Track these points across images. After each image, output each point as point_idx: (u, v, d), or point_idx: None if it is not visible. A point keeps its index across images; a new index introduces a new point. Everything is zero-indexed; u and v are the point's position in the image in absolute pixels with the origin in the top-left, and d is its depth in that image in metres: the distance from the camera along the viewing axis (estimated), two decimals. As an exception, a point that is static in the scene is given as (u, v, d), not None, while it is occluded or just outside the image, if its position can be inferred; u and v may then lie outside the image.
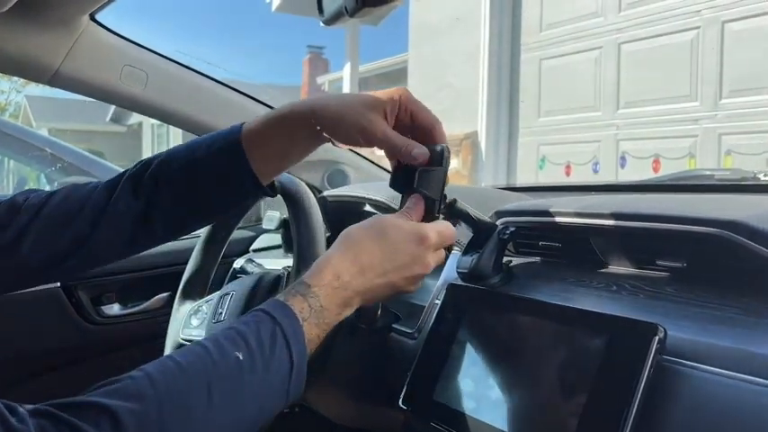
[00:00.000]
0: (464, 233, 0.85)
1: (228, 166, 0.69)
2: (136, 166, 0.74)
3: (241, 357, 0.53)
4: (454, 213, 0.77)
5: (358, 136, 0.67)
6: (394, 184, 0.71)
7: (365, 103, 0.66)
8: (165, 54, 1.22)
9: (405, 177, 0.69)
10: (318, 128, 0.68)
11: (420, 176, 0.68)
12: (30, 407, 0.46)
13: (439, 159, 0.68)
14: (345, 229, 0.66)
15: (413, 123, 0.69)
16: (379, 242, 0.63)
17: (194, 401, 0.50)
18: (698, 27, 4.14)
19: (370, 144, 0.68)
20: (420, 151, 0.67)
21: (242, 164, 0.69)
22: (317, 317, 0.59)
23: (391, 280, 0.64)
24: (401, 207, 0.72)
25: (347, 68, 7.20)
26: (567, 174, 4.91)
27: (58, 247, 0.70)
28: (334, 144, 0.70)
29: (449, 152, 0.69)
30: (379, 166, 1.53)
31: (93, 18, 1.10)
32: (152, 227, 0.72)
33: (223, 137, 0.70)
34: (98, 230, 0.70)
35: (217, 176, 0.70)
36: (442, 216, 0.72)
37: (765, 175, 1.15)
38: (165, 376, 0.51)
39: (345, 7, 0.63)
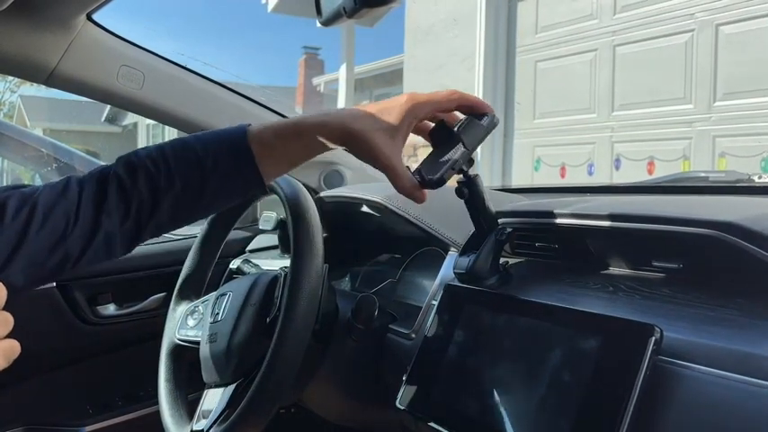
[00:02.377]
0: (461, 234, 0.86)
1: (236, 170, 0.67)
2: (120, 165, 0.68)
3: None
4: (469, 185, 0.75)
5: (374, 161, 0.68)
6: (433, 133, 0.72)
7: (398, 131, 0.67)
8: (161, 54, 1.22)
9: (446, 129, 0.71)
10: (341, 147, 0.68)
11: (465, 123, 0.70)
12: None
13: (488, 119, 0.70)
14: None
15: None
16: None
17: None
18: (692, 30, 4.16)
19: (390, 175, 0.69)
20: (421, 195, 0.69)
21: (250, 169, 0.67)
22: None
23: None
24: (429, 155, 0.72)
25: (343, 69, 7.20)
26: (562, 175, 4.92)
27: (45, 268, 0.65)
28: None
29: (497, 121, 0.72)
30: (375, 167, 1.53)
31: (90, 18, 1.10)
32: (141, 233, 0.68)
33: (230, 141, 0.67)
34: (90, 247, 0.66)
35: (222, 178, 0.67)
36: (465, 169, 0.72)
37: (759, 178, 1.15)
38: None
39: (344, 8, 0.63)
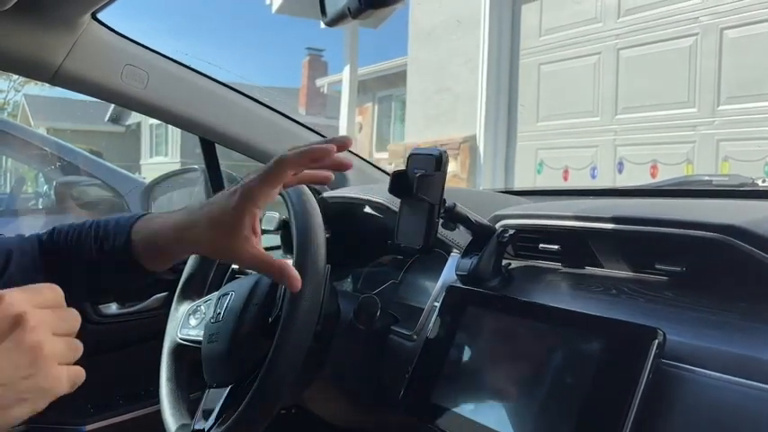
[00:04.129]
0: (464, 236, 0.85)
1: (121, 270, 0.72)
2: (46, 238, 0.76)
3: None
4: (453, 217, 0.77)
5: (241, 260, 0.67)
6: (393, 189, 0.71)
7: (237, 227, 0.64)
8: (166, 54, 1.23)
9: (403, 183, 0.70)
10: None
11: (419, 182, 0.68)
12: None
13: (437, 164, 0.68)
14: None
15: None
16: None
17: None
18: (696, 34, 4.16)
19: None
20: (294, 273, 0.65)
21: (136, 269, 0.71)
22: None
23: None
24: (399, 216, 0.72)
25: (346, 71, 7.21)
26: (565, 178, 4.92)
27: None
28: None
29: (447, 157, 0.69)
30: (377, 167, 1.53)
31: (94, 17, 1.10)
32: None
33: (116, 237, 0.72)
34: None
35: (111, 272, 0.72)
36: (441, 220, 0.72)
37: (763, 182, 1.15)
38: None
39: (348, 8, 0.63)
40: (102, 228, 0.73)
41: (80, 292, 0.75)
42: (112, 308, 1.33)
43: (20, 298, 0.43)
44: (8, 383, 0.41)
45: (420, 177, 0.68)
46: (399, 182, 0.70)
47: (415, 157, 0.69)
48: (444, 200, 0.71)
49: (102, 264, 0.72)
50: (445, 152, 0.69)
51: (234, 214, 0.63)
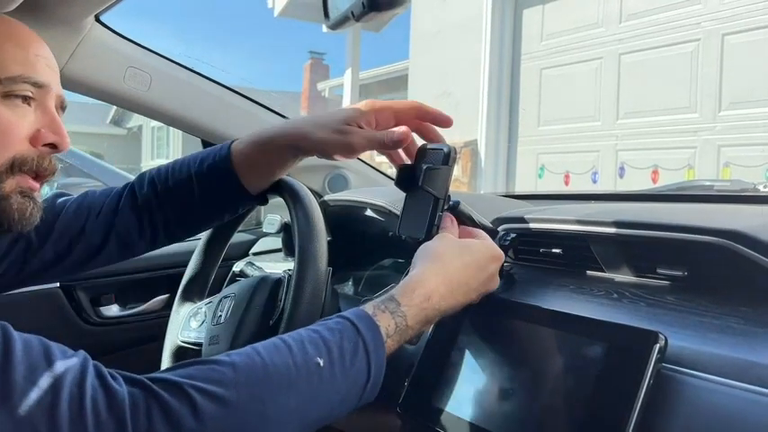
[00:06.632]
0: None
1: (220, 182, 0.78)
2: (135, 181, 0.84)
3: (321, 364, 0.55)
4: (457, 216, 0.77)
5: (344, 153, 0.73)
6: (399, 182, 0.72)
7: (340, 121, 0.71)
8: (169, 56, 1.23)
9: (410, 176, 0.70)
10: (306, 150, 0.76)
11: (425, 174, 0.68)
12: (126, 374, 0.50)
13: (445, 159, 0.68)
14: (427, 247, 0.68)
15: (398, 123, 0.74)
16: (465, 260, 0.67)
17: (270, 397, 0.53)
18: (698, 39, 4.16)
19: (355, 155, 0.74)
20: (400, 131, 0.71)
21: (232, 180, 0.77)
22: (400, 334, 0.62)
23: (471, 297, 0.68)
24: (403, 208, 0.72)
25: (348, 75, 7.22)
26: (566, 183, 4.92)
27: (68, 255, 0.79)
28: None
29: (455, 153, 0.69)
30: (379, 170, 1.53)
31: (98, 19, 1.10)
32: (150, 236, 0.82)
33: (213, 156, 0.79)
34: (107, 243, 0.81)
35: (210, 191, 0.78)
36: (442, 215, 0.73)
37: (765, 187, 1.15)
38: (249, 368, 0.53)
39: (352, 12, 0.63)
40: (194, 161, 0.80)
41: (186, 223, 0.83)
42: (114, 309, 1.33)
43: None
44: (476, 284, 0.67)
45: (427, 170, 0.68)
46: (406, 175, 0.70)
47: (424, 151, 0.70)
48: (449, 196, 0.71)
49: (208, 194, 0.78)
50: (455, 148, 0.70)
51: (344, 115, 0.71)
